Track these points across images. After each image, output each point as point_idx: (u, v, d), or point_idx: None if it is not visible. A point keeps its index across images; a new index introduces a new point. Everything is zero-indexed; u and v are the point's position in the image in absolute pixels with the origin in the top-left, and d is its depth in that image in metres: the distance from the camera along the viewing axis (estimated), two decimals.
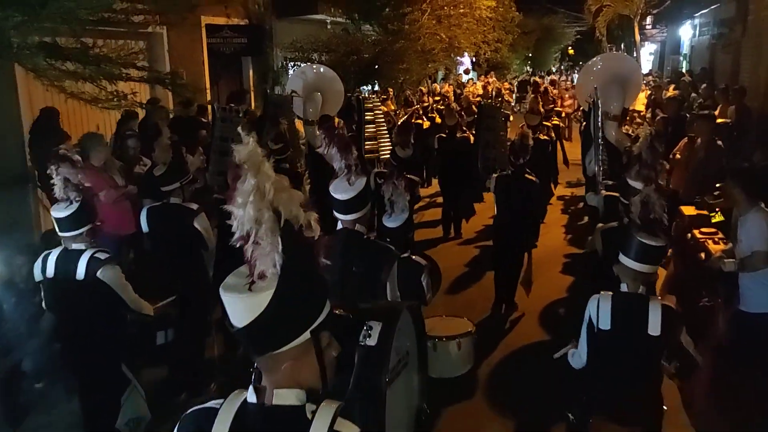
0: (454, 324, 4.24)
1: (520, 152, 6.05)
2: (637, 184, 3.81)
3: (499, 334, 5.98)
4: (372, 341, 2.12)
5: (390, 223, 3.68)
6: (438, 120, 12.61)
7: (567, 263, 8.04)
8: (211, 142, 6.39)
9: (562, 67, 43.59)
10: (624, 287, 2.87)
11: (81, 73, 5.35)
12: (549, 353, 5.28)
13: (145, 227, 4.89)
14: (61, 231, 3.63)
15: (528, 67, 33.92)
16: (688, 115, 8.67)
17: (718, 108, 9.81)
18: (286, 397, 1.47)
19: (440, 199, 10.30)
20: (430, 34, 13.61)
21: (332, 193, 3.36)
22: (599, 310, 2.84)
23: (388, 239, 3.55)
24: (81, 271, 3.58)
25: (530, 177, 6.14)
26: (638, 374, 2.86)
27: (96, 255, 3.61)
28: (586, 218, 10.04)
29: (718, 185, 6.72)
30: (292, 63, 12.62)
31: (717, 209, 6.31)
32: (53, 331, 4.09)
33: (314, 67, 9.32)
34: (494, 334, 5.90)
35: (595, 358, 2.90)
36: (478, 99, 15.48)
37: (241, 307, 1.45)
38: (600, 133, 5.30)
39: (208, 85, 10.07)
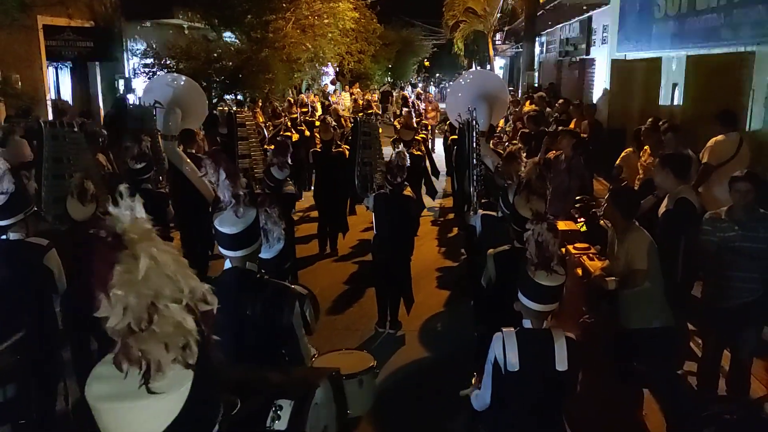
0: (353, 359, 3.95)
1: (397, 172, 5.98)
2: (527, 213, 3.81)
3: (389, 357, 5.79)
4: (281, 425, 1.77)
5: (264, 254, 3.36)
6: (307, 133, 12.32)
7: (441, 276, 8.09)
8: (38, 163, 5.59)
9: (419, 79, 45.18)
10: (527, 323, 2.77)
11: None
12: (442, 375, 5.39)
13: None
14: None
15: (389, 78, 34.64)
16: (545, 129, 9.11)
17: (572, 122, 10.44)
18: None
19: (313, 214, 10.05)
20: (295, 43, 13.29)
21: (218, 227, 2.99)
22: (506, 350, 2.71)
23: (263, 271, 3.23)
24: None
25: (407, 193, 6.11)
26: (545, 410, 2.78)
27: None
28: (455, 230, 10.26)
29: (578, 197, 7.13)
30: (145, 70, 11.70)
31: (581, 219, 6.63)
32: None
33: (173, 76, 8.65)
34: (384, 356, 5.70)
35: (501, 398, 2.77)
36: (345, 112, 15.36)
37: (143, 418, 1.12)
38: (476, 153, 5.30)
39: (48, 94, 8.98)
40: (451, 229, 10.37)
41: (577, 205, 7.04)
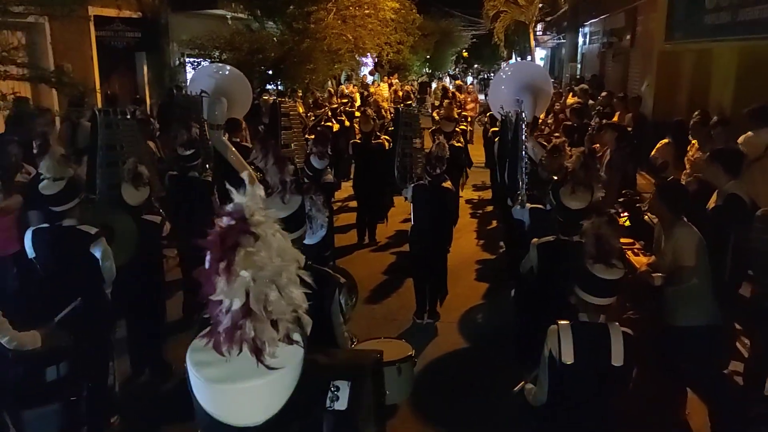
0: (391, 347, 4.00)
1: (437, 163, 5.97)
2: (574, 204, 3.78)
3: (427, 347, 5.83)
4: (341, 405, 1.80)
5: (307, 240, 3.42)
6: (347, 123, 12.37)
7: (480, 269, 8.07)
8: (93, 151, 5.73)
9: (457, 70, 44.82)
10: (583, 317, 2.76)
11: None
12: (481, 367, 5.40)
13: (30, 252, 4.26)
14: None
15: (427, 69, 34.46)
16: (588, 122, 8.97)
17: (616, 115, 10.24)
18: None
19: (352, 204, 10.12)
20: (336, 34, 13.32)
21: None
22: (561, 343, 2.71)
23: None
24: None
25: (446, 185, 6.10)
26: (598, 405, 2.77)
27: None
28: (494, 222, 10.21)
29: (624, 191, 7.01)
30: (190, 60, 11.90)
31: (624, 213, 6.52)
32: None
33: (219, 66, 8.78)
34: (422, 347, 5.74)
35: (557, 393, 2.76)
36: (385, 103, 15.36)
37: (264, 394, 1.16)
38: (524, 146, 5.26)
39: (98, 83, 9.22)
40: (490, 221, 10.32)
41: (620, 200, 6.93)
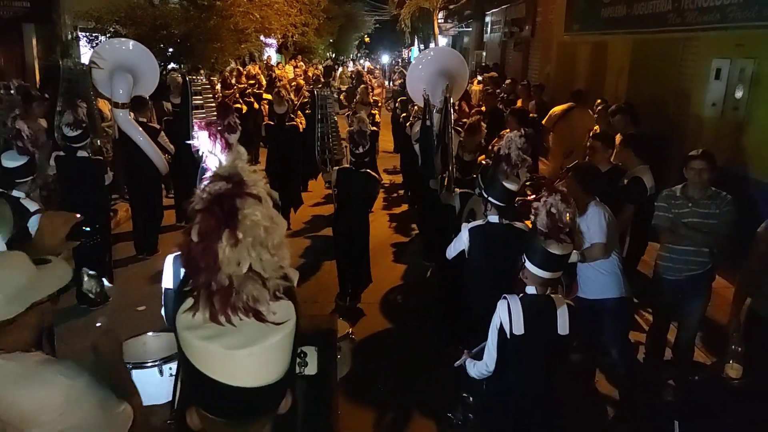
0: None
1: (360, 139, 5.93)
2: (511, 185, 3.92)
3: (353, 328, 5.84)
4: (311, 370, 1.81)
5: None
6: (255, 105, 12.10)
7: (396, 252, 8.19)
8: None
9: (359, 55, 44.87)
10: (531, 290, 2.89)
11: None
12: (408, 344, 5.51)
13: None
14: None
15: (331, 53, 34.23)
16: (502, 107, 9.30)
17: (519, 102, 10.70)
18: None
19: None
20: (243, 12, 12.94)
21: None
22: (511, 315, 2.83)
23: None
24: None
25: (370, 172, 6.13)
26: (544, 373, 2.92)
27: None
28: (405, 206, 10.39)
29: (530, 175, 7.36)
30: (85, 35, 11.14)
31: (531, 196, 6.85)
32: None
33: (121, 41, 8.30)
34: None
35: (506, 363, 2.89)
36: (294, 84, 15.12)
37: (279, 351, 1.16)
38: (450, 130, 5.37)
39: None
40: (401, 204, 10.49)
41: (527, 183, 7.26)
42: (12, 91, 5.79)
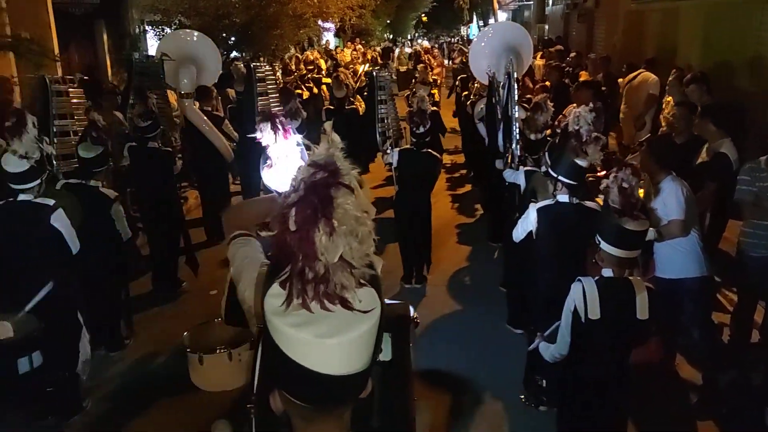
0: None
1: (420, 119, 5.86)
2: (582, 162, 3.77)
3: (418, 310, 5.84)
4: (386, 355, 1.79)
5: None
6: (315, 90, 12.15)
7: (461, 233, 8.11)
8: (44, 120, 5.54)
9: (417, 35, 44.42)
10: (608, 272, 2.77)
11: None
12: (476, 327, 5.45)
13: None
14: None
15: (388, 34, 34.04)
16: (567, 81, 9.00)
17: (584, 75, 10.30)
18: None
19: None
20: None
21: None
22: (586, 299, 2.72)
23: None
24: None
25: (431, 152, 6.07)
26: (620, 358, 2.81)
27: None
28: (468, 186, 10.26)
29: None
30: (152, 27, 11.45)
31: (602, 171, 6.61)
32: None
33: (186, 32, 8.49)
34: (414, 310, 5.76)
35: (579, 347, 2.80)
36: (352, 68, 15.12)
37: (367, 339, 1.15)
38: (516, 107, 5.22)
39: (57, 52, 8.77)
40: (464, 185, 10.37)
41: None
42: (76, 85, 5.99)
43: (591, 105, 3.88)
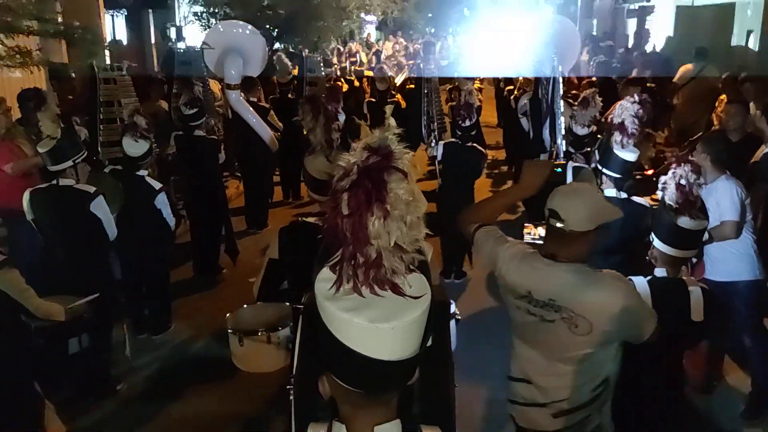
0: None
1: (466, 112, 5.80)
2: (628, 155, 3.68)
3: (457, 305, 5.80)
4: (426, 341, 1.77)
5: None
6: (356, 83, 12.15)
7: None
8: (92, 108, 5.68)
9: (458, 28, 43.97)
10: (660, 272, 2.68)
11: None
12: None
13: (29, 214, 4.18)
14: None
15: (430, 28, 33.80)
16: (615, 78, 8.80)
17: (634, 72, 10.06)
18: None
19: None
20: None
21: (311, 173, 2.99)
22: None
23: None
24: None
25: (477, 146, 6.01)
26: (672, 361, 2.72)
27: None
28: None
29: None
30: (197, 17, 11.61)
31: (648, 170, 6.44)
32: None
33: (232, 23, 8.57)
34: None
35: (629, 350, 2.71)
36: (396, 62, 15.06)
37: (418, 325, 1.15)
38: (558, 102, 5.12)
39: (106, 41, 8.99)
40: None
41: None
42: (123, 73, 6.10)
43: (636, 96, 3.75)
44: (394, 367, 1.14)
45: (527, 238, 3.67)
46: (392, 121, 1.19)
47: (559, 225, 2.28)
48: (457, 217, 2.79)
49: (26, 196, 4.14)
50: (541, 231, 3.70)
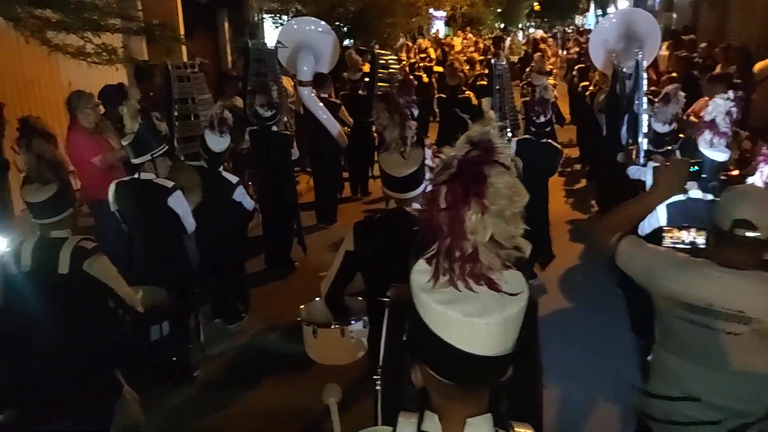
0: None
1: (540, 108, 5.66)
2: (718, 155, 3.51)
3: None
4: None
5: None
6: (425, 79, 12.10)
7: (573, 229, 7.82)
8: (168, 105, 5.83)
9: (529, 24, 43.17)
10: None
11: (64, 23, 4.65)
12: (588, 328, 5.22)
13: (114, 205, 4.34)
14: (36, 218, 3.02)
15: (499, 24, 33.33)
16: (695, 73, 8.40)
17: (718, 67, 9.55)
18: (479, 426, 1.20)
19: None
20: None
21: (384, 170, 2.98)
22: None
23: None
24: (64, 264, 2.99)
25: (552, 143, 5.86)
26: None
27: (81, 244, 3.02)
28: (583, 181, 9.86)
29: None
30: (270, 15, 11.83)
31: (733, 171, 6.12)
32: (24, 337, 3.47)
33: (303, 19, 8.68)
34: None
35: None
36: (475, 54, 14.93)
37: (515, 322, 1.14)
38: (643, 99, 4.91)
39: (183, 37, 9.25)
40: (579, 180, 9.98)
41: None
42: (196, 70, 6.26)
43: (731, 94, 3.55)
44: (488, 363, 1.13)
45: (667, 242, 3.48)
46: (492, 114, 1.16)
47: (753, 234, 2.16)
48: (589, 228, 2.67)
49: (112, 187, 4.30)
50: (684, 235, 3.55)
